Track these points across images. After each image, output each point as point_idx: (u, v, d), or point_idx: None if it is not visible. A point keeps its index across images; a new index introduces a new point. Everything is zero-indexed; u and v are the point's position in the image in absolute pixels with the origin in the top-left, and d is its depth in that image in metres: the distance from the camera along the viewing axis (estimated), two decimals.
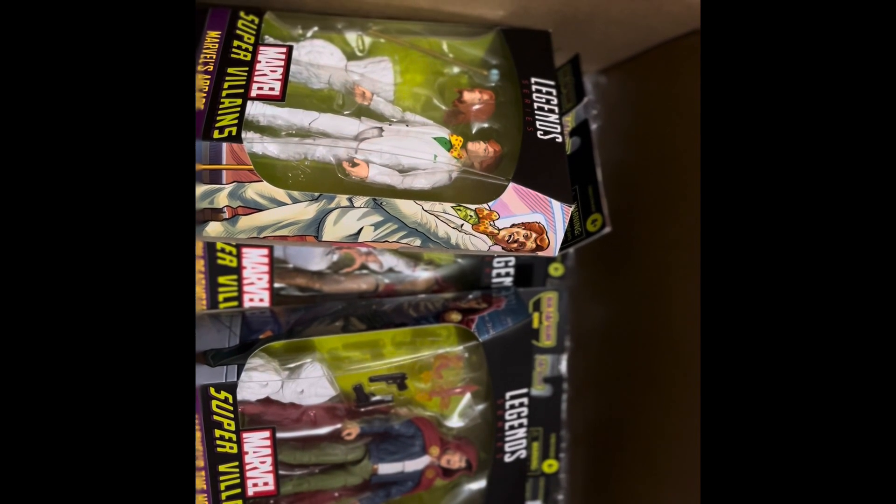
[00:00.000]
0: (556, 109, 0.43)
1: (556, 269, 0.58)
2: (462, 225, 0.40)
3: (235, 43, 0.42)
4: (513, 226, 0.41)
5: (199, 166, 0.37)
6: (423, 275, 0.54)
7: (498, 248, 0.42)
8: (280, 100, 0.40)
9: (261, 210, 0.39)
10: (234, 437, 0.43)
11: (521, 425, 0.50)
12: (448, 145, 0.42)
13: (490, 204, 0.40)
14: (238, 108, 0.39)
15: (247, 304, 0.49)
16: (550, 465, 0.58)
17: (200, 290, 0.48)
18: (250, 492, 0.44)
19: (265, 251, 0.48)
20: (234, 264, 0.48)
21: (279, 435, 0.45)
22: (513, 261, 0.54)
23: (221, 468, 0.43)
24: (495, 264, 0.54)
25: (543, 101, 0.43)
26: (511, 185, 0.40)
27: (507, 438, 0.50)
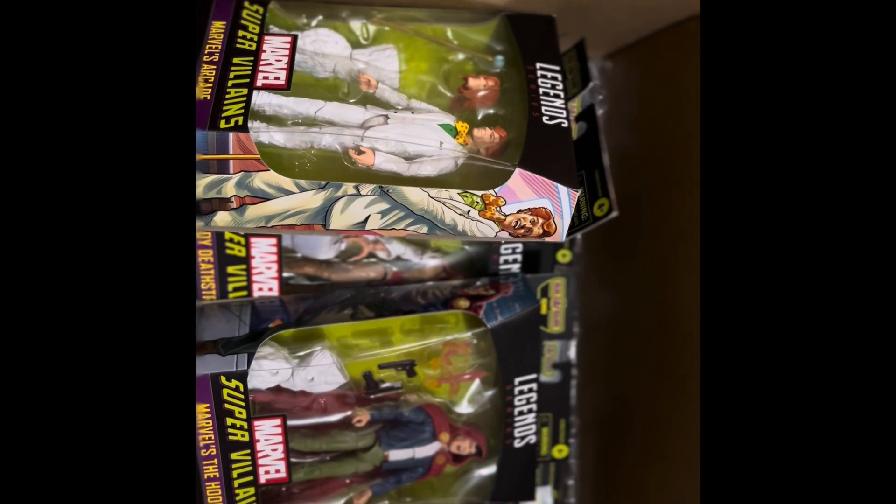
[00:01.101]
0: (562, 94, 0.43)
1: (563, 256, 0.58)
2: (469, 211, 0.40)
3: (240, 33, 0.42)
4: (519, 211, 0.41)
5: (206, 156, 0.38)
6: (431, 262, 0.54)
7: (505, 234, 0.42)
8: (285, 89, 0.40)
9: (268, 199, 0.39)
10: (245, 424, 0.43)
11: (530, 411, 0.50)
12: (454, 132, 0.42)
13: (496, 190, 0.40)
14: (244, 98, 0.39)
15: (256, 294, 0.49)
16: (560, 451, 0.58)
17: (210, 280, 0.48)
18: (262, 479, 0.45)
19: (273, 241, 0.49)
20: (243, 254, 0.48)
21: (290, 422, 0.46)
22: (520, 247, 0.54)
23: (233, 456, 0.44)
24: (503, 251, 0.54)
25: (549, 86, 0.43)
26: (517, 170, 0.40)
27: (517, 424, 0.50)
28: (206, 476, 0.43)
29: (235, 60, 0.40)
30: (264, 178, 0.38)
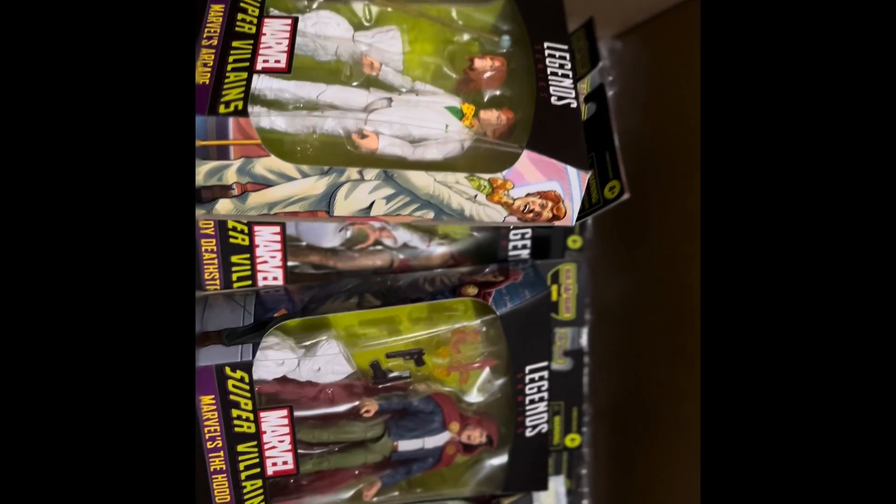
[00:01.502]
0: (571, 74, 0.42)
1: (574, 242, 0.57)
2: (476, 196, 0.39)
3: (240, 16, 0.41)
4: (528, 195, 0.40)
5: (206, 142, 0.37)
6: (438, 249, 0.53)
7: (513, 219, 0.41)
8: (286, 72, 0.39)
9: (270, 186, 0.38)
10: (251, 416, 0.43)
11: (541, 399, 0.49)
12: (459, 114, 0.41)
13: (504, 173, 0.39)
14: (244, 82, 0.38)
15: (260, 283, 0.49)
16: (573, 440, 0.57)
17: (213, 270, 0.47)
18: (270, 471, 0.44)
19: (277, 229, 0.48)
20: (247, 243, 0.47)
21: (297, 413, 0.45)
22: (529, 233, 0.53)
23: (240, 448, 0.43)
24: (511, 237, 0.53)
25: (557, 65, 0.42)
26: (525, 152, 0.39)
27: (528, 413, 0.49)
28: (212, 469, 0.43)
29: (235, 44, 0.39)
30: (266, 164, 0.38)
